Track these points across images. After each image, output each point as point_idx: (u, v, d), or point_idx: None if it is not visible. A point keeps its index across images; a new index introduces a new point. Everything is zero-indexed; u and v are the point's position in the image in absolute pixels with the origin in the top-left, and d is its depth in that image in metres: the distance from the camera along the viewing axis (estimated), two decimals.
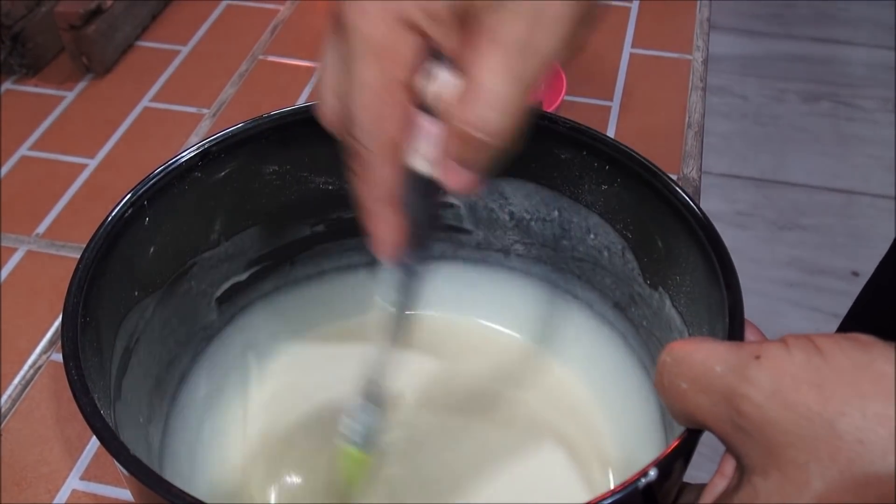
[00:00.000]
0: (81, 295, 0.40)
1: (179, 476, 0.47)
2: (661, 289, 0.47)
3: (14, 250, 0.69)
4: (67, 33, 0.82)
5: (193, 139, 0.78)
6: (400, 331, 0.41)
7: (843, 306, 0.83)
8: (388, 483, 0.49)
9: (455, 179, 0.34)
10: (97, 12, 0.83)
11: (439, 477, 0.50)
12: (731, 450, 0.32)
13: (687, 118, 0.80)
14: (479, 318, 0.57)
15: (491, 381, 0.54)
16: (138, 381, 0.45)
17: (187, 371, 0.50)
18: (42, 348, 0.62)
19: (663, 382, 0.34)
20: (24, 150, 0.78)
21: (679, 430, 0.43)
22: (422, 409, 0.53)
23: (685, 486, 0.38)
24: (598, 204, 0.49)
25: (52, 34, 0.85)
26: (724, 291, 0.41)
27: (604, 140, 0.47)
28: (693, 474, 0.42)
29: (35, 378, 0.60)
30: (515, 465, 0.51)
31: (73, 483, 0.55)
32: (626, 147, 0.47)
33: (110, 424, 0.36)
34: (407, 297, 0.39)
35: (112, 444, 0.35)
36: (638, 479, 0.34)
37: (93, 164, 0.77)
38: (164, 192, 0.46)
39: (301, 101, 0.83)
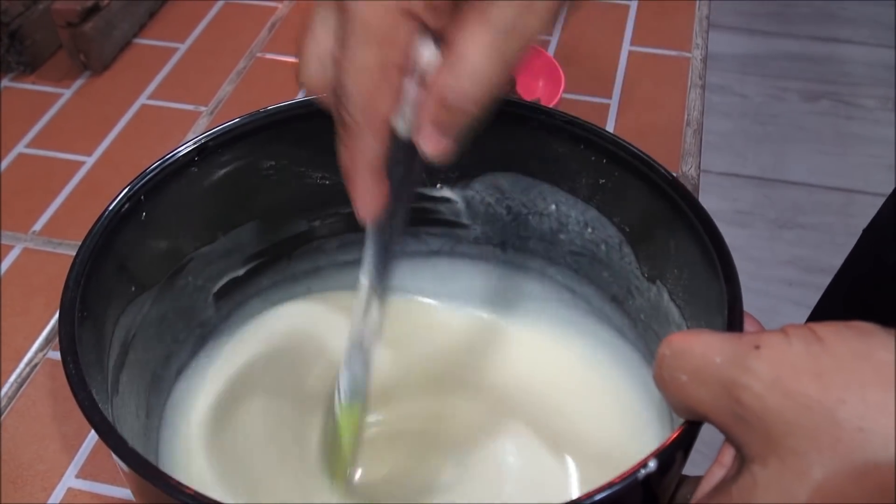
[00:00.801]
0: (78, 290, 0.40)
1: (177, 470, 0.47)
2: (659, 282, 0.47)
3: (11, 248, 0.69)
4: (65, 30, 0.82)
5: (191, 137, 0.78)
6: (376, 302, 0.43)
7: None
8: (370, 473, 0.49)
9: (431, 143, 0.36)
10: (95, 10, 0.83)
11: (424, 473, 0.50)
12: (731, 440, 0.31)
13: (686, 116, 0.80)
14: (476, 311, 0.56)
15: (485, 371, 0.54)
16: (135, 376, 0.45)
17: (184, 366, 0.50)
18: (39, 346, 0.62)
19: (663, 376, 0.34)
20: (21, 148, 0.78)
21: (679, 421, 0.43)
22: (417, 397, 0.53)
23: (684, 479, 0.38)
24: (596, 198, 0.49)
25: (49, 31, 0.85)
26: (722, 284, 0.41)
27: (601, 134, 0.47)
28: (692, 471, 0.42)
29: (32, 376, 0.60)
30: (510, 459, 0.50)
31: (70, 481, 0.55)
32: (624, 140, 0.47)
33: (108, 419, 0.36)
34: (383, 269, 0.42)
35: (110, 437, 0.35)
36: (637, 471, 0.33)
37: (90, 161, 0.77)
38: (161, 187, 0.45)
39: (299, 98, 0.83)
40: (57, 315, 0.50)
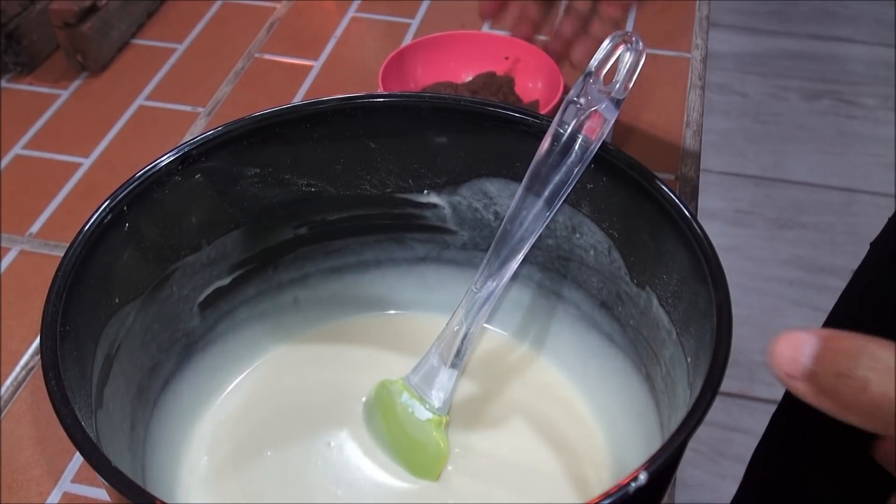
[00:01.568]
0: (60, 303, 0.40)
1: (163, 484, 0.47)
2: (648, 288, 0.47)
3: (7, 250, 0.69)
4: (62, 31, 0.82)
5: (189, 138, 0.78)
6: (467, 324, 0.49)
7: None
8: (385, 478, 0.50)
9: None
10: (92, 10, 0.83)
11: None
12: None
13: (686, 117, 0.80)
14: None
15: (478, 377, 0.54)
16: (120, 389, 0.44)
17: (170, 377, 0.50)
18: (35, 349, 0.62)
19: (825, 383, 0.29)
20: (18, 149, 0.78)
21: (668, 429, 0.43)
22: None
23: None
24: (584, 203, 0.49)
25: (46, 32, 0.85)
26: (711, 290, 0.41)
27: None
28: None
29: (27, 379, 0.60)
30: (505, 463, 0.51)
31: (65, 486, 0.55)
32: (612, 145, 0.46)
33: (91, 436, 0.36)
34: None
35: (93, 456, 0.35)
36: (628, 484, 0.33)
37: (87, 163, 0.77)
38: (144, 196, 0.45)
39: (296, 100, 0.83)
40: None
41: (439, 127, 0.50)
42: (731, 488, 0.89)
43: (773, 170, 1.86)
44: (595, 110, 0.44)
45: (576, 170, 0.45)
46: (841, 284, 0.79)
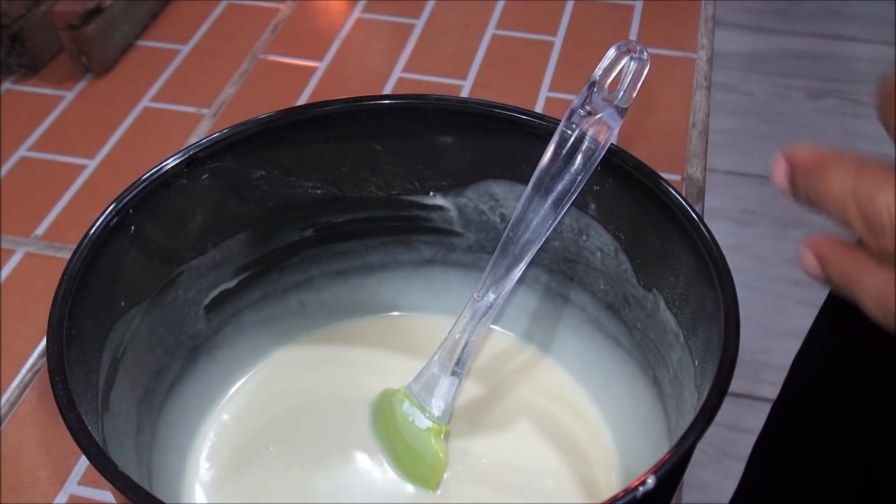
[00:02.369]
0: (66, 307, 0.40)
1: (169, 487, 0.47)
2: (654, 290, 0.47)
3: (13, 252, 0.69)
4: (66, 33, 0.82)
5: (193, 139, 0.78)
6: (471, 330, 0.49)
7: None
8: (389, 483, 0.50)
9: None
10: (96, 11, 0.83)
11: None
12: None
13: (691, 117, 0.80)
14: None
15: (485, 379, 0.54)
16: (126, 392, 0.44)
17: (176, 381, 0.50)
18: (40, 352, 0.62)
19: None
20: (23, 151, 0.78)
21: (675, 433, 0.43)
22: None
23: None
24: (591, 205, 0.49)
25: (50, 33, 0.85)
26: (719, 293, 0.40)
27: None
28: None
29: (33, 381, 0.60)
30: (512, 465, 0.51)
31: (71, 488, 0.55)
32: (618, 147, 0.46)
33: (98, 440, 0.36)
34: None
35: (99, 461, 0.35)
36: (636, 488, 0.33)
37: (92, 164, 0.77)
38: (150, 199, 0.45)
39: (301, 101, 0.83)
40: None
41: (445, 129, 0.50)
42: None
43: None
44: (599, 118, 0.45)
45: (579, 178, 0.45)
46: None
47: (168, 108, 0.83)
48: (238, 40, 0.90)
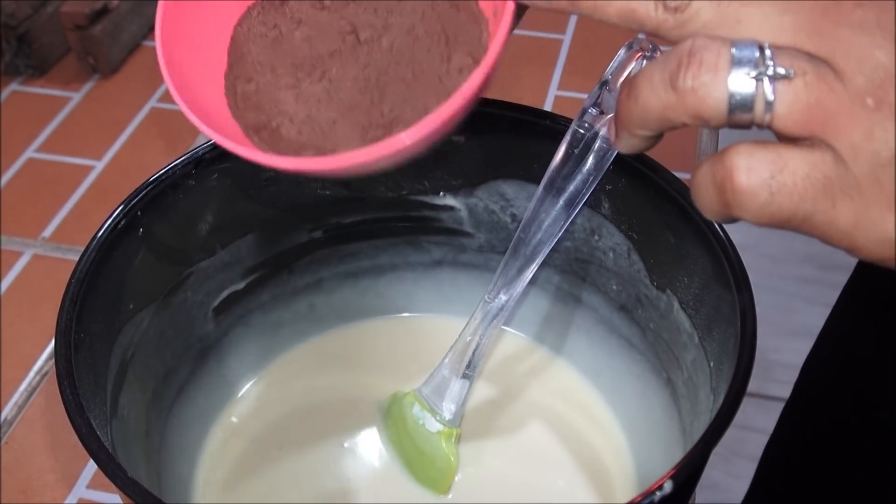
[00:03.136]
0: (74, 311, 0.40)
1: (178, 490, 0.47)
2: (668, 291, 0.46)
3: (20, 254, 0.69)
4: (73, 33, 0.82)
5: (201, 140, 0.78)
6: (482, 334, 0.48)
7: None
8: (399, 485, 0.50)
9: None
10: (103, 12, 0.83)
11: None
12: None
13: None
14: None
15: (497, 380, 0.54)
16: (135, 396, 0.44)
17: (185, 383, 0.50)
18: (48, 354, 0.62)
19: None
20: (30, 153, 0.78)
21: (690, 435, 0.43)
22: None
23: None
24: (603, 205, 0.48)
25: (57, 35, 0.84)
26: (735, 294, 0.40)
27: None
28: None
29: (41, 384, 0.60)
30: (524, 468, 0.50)
31: (80, 492, 0.55)
32: None
33: (107, 445, 0.36)
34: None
35: (109, 466, 0.35)
36: (653, 493, 0.33)
37: (100, 165, 0.77)
38: (158, 201, 0.45)
39: None
40: None
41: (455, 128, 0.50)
42: (746, 488, 0.88)
43: None
44: (611, 118, 0.44)
45: (591, 178, 0.44)
46: None
47: (176, 109, 0.82)
48: None
